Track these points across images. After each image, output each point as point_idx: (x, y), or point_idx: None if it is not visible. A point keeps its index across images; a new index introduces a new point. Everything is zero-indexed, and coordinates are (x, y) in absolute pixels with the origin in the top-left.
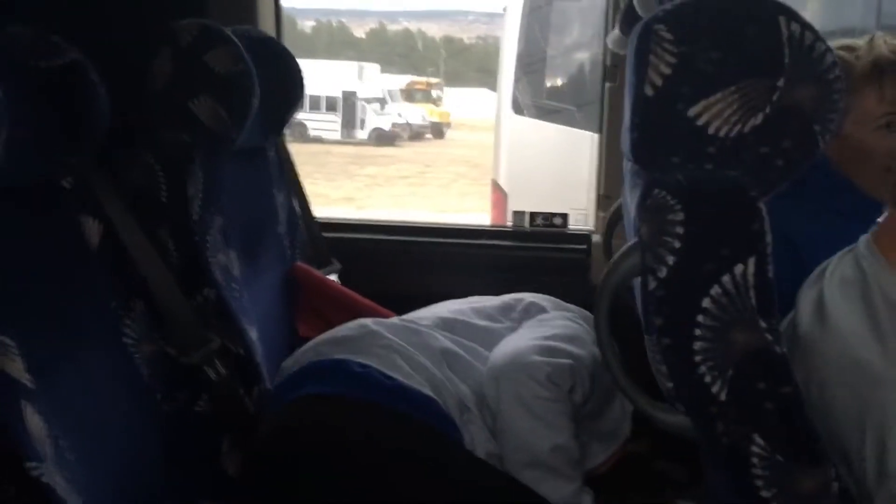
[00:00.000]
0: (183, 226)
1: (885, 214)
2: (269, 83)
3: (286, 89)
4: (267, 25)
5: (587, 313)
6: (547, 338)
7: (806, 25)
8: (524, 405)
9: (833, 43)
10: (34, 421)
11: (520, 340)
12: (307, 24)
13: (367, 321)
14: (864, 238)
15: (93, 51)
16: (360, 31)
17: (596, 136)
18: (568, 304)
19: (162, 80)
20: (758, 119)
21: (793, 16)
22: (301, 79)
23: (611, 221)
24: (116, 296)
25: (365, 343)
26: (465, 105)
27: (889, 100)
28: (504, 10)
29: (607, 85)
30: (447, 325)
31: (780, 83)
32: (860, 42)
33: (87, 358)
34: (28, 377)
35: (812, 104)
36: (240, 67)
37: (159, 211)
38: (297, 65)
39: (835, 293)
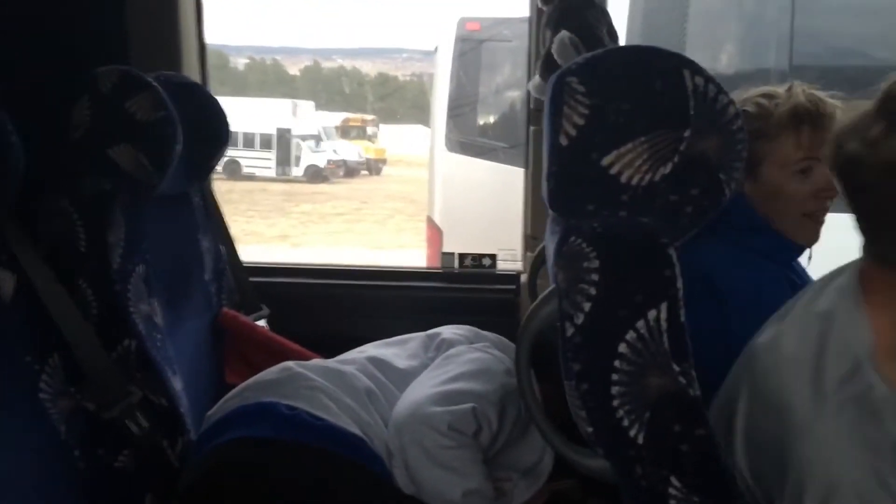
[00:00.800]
0: (102, 275)
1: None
2: (194, 129)
3: (211, 135)
4: (192, 70)
5: (505, 341)
6: (449, 380)
7: (709, 78)
8: (429, 456)
9: (754, 91)
10: None
11: (420, 389)
12: (240, 62)
13: (292, 364)
14: (854, 267)
15: (11, 97)
16: (294, 69)
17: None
18: (485, 333)
19: (81, 127)
20: (667, 168)
21: (696, 69)
22: (226, 124)
23: (535, 263)
24: (31, 350)
25: (291, 386)
26: (400, 142)
27: (806, 146)
28: (436, 48)
29: (532, 128)
30: (370, 365)
31: (687, 134)
32: (779, 90)
33: (1, 416)
34: None
35: (717, 153)
36: (161, 114)
37: (78, 260)
38: (222, 110)
39: (797, 322)
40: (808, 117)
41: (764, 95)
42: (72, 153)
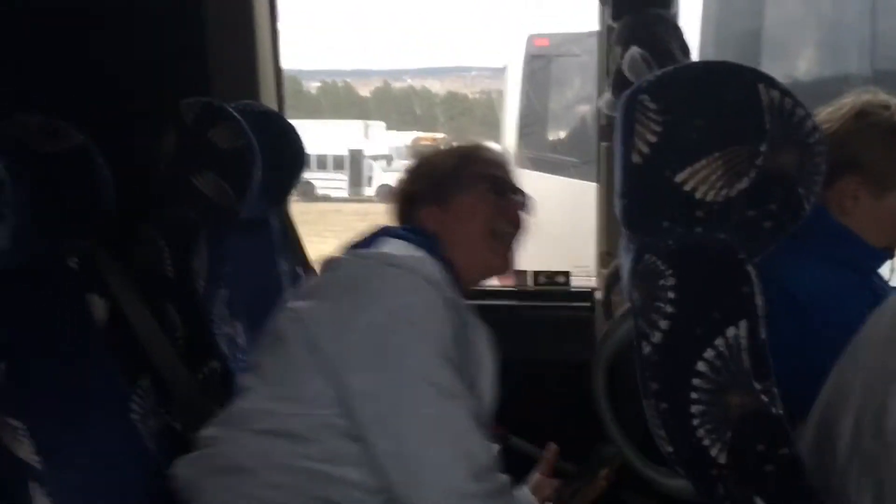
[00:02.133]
0: (188, 300)
1: None
2: (272, 155)
3: (288, 160)
4: (269, 98)
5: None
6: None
7: (785, 92)
8: None
9: (867, 97)
10: (43, 503)
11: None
12: (313, 85)
13: None
14: None
15: (101, 130)
16: (364, 91)
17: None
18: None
19: (167, 157)
20: (743, 183)
21: (772, 83)
22: (302, 149)
23: (610, 279)
24: (123, 372)
25: None
26: None
27: None
28: (505, 66)
29: (603, 144)
30: None
31: (763, 148)
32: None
33: (95, 436)
34: (36, 458)
35: (795, 168)
36: (241, 142)
37: (166, 286)
38: (298, 136)
39: None
40: None
41: (881, 106)
42: (159, 183)
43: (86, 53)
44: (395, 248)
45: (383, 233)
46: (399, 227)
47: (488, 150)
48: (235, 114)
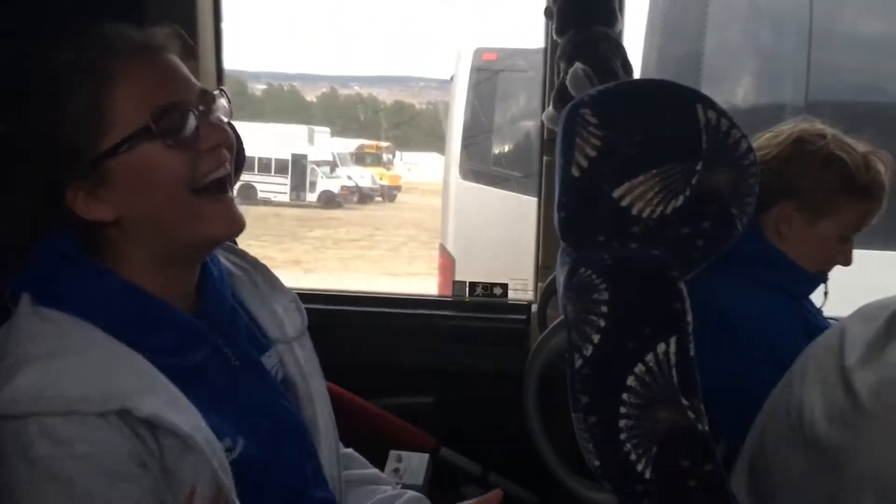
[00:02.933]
0: None
1: None
2: None
3: None
4: None
5: None
6: None
7: (722, 112)
8: None
9: (846, 139)
10: None
11: None
12: (258, 88)
13: None
14: None
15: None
16: (311, 95)
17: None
18: None
19: None
20: (678, 201)
21: (709, 104)
22: (242, 150)
23: (546, 293)
24: None
25: None
26: (415, 169)
27: (868, 220)
28: (451, 77)
29: (545, 159)
30: None
31: (699, 167)
32: (864, 150)
33: None
34: None
35: (729, 188)
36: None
37: None
38: (238, 136)
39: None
40: (882, 193)
41: (863, 154)
42: None
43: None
44: None
45: None
46: None
47: None
48: None
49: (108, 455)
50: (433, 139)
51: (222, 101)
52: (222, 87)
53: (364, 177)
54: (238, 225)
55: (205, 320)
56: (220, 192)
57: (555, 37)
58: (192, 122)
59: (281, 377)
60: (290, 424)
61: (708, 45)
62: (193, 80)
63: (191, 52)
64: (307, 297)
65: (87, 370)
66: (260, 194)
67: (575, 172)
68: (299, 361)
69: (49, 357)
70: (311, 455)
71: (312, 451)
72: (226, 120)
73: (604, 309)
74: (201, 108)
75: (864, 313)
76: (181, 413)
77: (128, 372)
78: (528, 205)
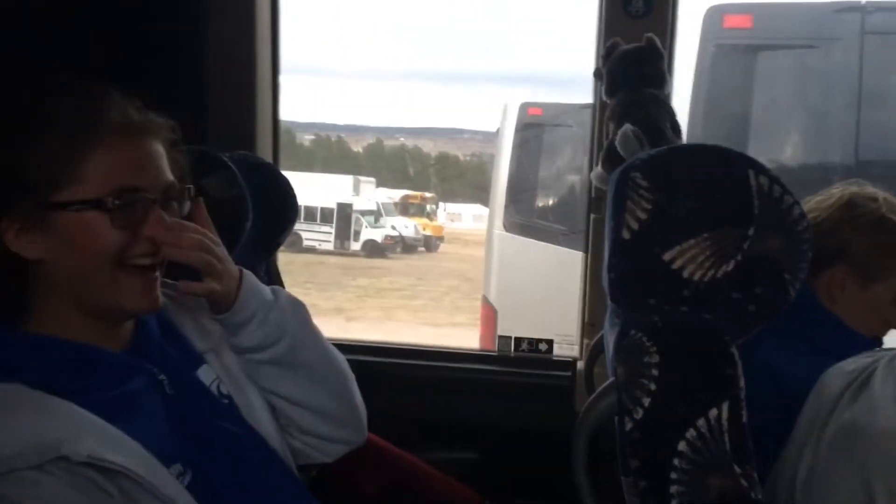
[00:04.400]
0: None
1: None
2: (265, 206)
3: (280, 212)
4: (265, 148)
5: None
6: None
7: (774, 179)
8: None
9: (855, 189)
10: None
11: None
12: (306, 138)
13: None
14: None
15: None
16: (357, 146)
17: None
18: None
19: None
20: (730, 265)
21: (762, 169)
22: (295, 202)
23: (593, 351)
24: None
25: None
26: (457, 219)
27: None
28: (497, 130)
29: (592, 216)
30: None
31: (751, 232)
32: None
33: None
34: None
35: (782, 254)
36: (234, 192)
37: None
38: (292, 189)
39: None
40: None
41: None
42: None
43: None
44: None
45: None
46: None
47: None
48: (230, 163)
49: None
50: (476, 190)
51: (186, 203)
52: (189, 186)
53: (408, 227)
54: (154, 304)
55: (136, 353)
56: (145, 269)
57: (604, 97)
58: (142, 209)
59: (226, 391)
60: (236, 444)
61: (755, 103)
62: (166, 171)
63: (176, 145)
64: (351, 348)
65: (16, 428)
66: (305, 242)
67: (625, 235)
68: (230, 368)
69: None
70: (270, 466)
71: (271, 462)
72: (176, 219)
73: (654, 372)
74: (161, 198)
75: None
76: (119, 448)
77: (58, 420)
78: (571, 258)
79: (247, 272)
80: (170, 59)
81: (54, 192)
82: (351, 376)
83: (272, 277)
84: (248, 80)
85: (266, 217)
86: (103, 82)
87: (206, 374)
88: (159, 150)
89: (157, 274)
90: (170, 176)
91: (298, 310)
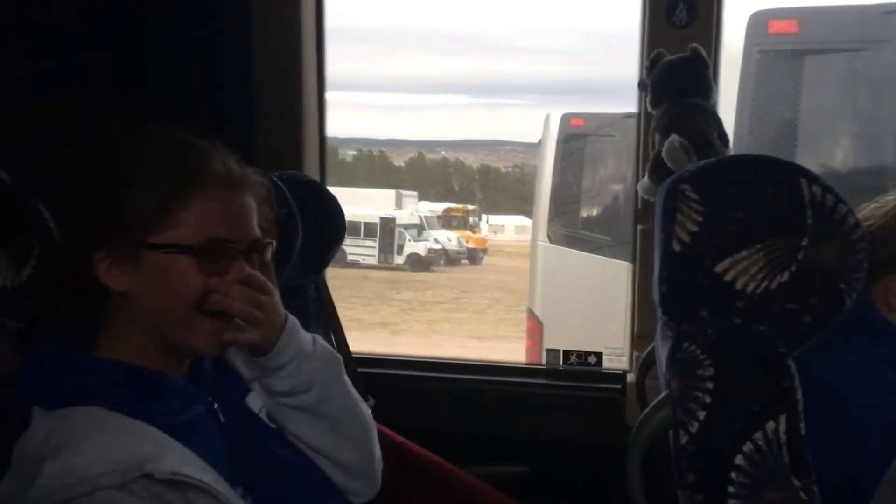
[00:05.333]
0: None
1: None
2: (313, 224)
3: (328, 230)
4: (312, 166)
5: None
6: None
7: (827, 188)
8: None
9: None
10: None
11: None
12: (349, 154)
13: None
14: None
15: None
16: (399, 160)
17: (631, 266)
18: None
19: None
20: (784, 276)
21: (814, 179)
22: (343, 221)
23: (644, 363)
24: None
25: None
26: (500, 231)
27: None
28: (539, 142)
29: (639, 227)
30: None
31: (804, 243)
32: None
33: None
34: None
35: (837, 263)
36: (284, 211)
37: None
38: (339, 206)
39: None
40: None
41: None
42: None
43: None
44: None
45: None
46: None
47: None
48: (280, 183)
49: None
50: (518, 201)
51: (267, 252)
52: (271, 242)
53: (451, 239)
54: (219, 347)
55: (193, 382)
56: (220, 314)
57: (649, 108)
58: (228, 260)
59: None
60: (287, 467)
61: (803, 109)
62: (254, 226)
63: (266, 200)
64: (400, 363)
65: (101, 449)
66: (349, 257)
67: (676, 247)
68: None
69: (64, 447)
70: (322, 487)
71: (322, 483)
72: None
73: (709, 385)
74: (246, 250)
75: None
76: (196, 466)
77: (139, 441)
78: (617, 269)
79: (292, 319)
80: (217, 81)
81: (151, 234)
82: (374, 431)
83: (321, 294)
84: (294, 99)
85: (315, 235)
86: (159, 107)
87: (254, 402)
88: (251, 204)
89: (228, 320)
90: (257, 231)
91: (332, 363)
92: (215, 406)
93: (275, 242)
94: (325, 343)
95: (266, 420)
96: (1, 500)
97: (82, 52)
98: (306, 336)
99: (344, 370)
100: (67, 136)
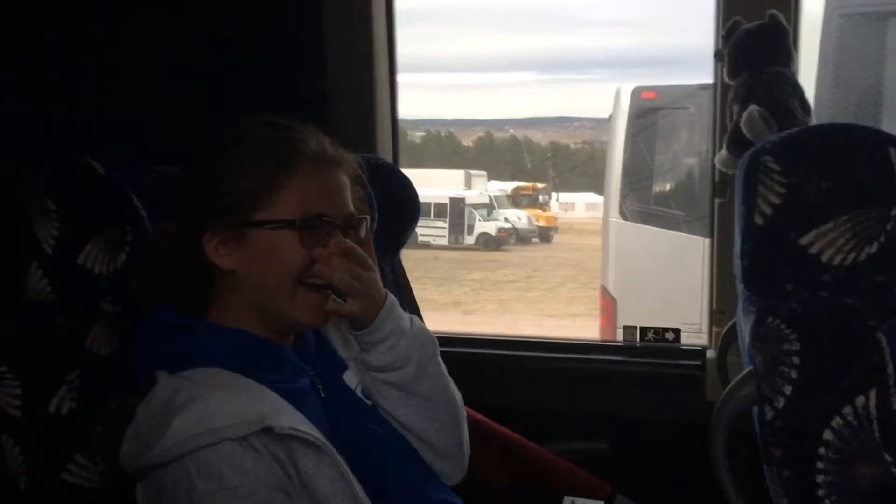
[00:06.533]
0: None
1: None
2: (388, 206)
3: (403, 212)
4: (385, 149)
5: None
6: None
7: None
8: None
9: None
10: None
11: None
12: (417, 135)
13: None
14: None
15: None
16: (467, 140)
17: (707, 241)
18: None
19: None
20: (872, 248)
21: None
22: (417, 202)
23: (725, 340)
24: None
25: None
26: (571, 209)
27: None
28: (609, 117)
29: (717, 201)
30: None
31: (894, 212)
32: None
33: None
34: None
35: None
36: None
37: None
38: (413, 188)
39: None
40: None
41: None
42: None
43: (206, 109)
44: None
45: None
46: None
47: None
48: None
49: (254, 485)
50: (588, 178)
51: (363, 228)
52: (366, 216)
53: (521, 218)
54: (321, 319)
55: (298, 356)
56: (320, 287)
57: (726, 79)
58: (326, 233)
59: (368, 394)
60: (381, 442)
61: (888, 74)
62: (349, 202)
63: (361, 182)
64: (475, 342)
65: (225, 403)
66: (420, 238)
67: (758, 220)
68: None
69: (191, 402)
70: (414, 462)
71: (414, 458)
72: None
73: (795, 360)
74: (342, 224)
75: None
76: (307, 425)
77: (258, 399)
78: (692, 244)
79: (391, 297)
80: (289, 67)
81: (254, 212)
82: (463, 415)
83: (397, 275)
84: (366, 82)
85: (390, 217)
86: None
87: (350, 379)
88: (345, 181)
89: (329, 292)
90: (351, 206)
91: (428, 343)
92: (317, 381)
93: (368, 218)
94: (421, 323)
95: (362, 397)
96: (123, 462)
97: (168, 46)
98: (404, 315)
99: (438, 351)
100: (166, 129)
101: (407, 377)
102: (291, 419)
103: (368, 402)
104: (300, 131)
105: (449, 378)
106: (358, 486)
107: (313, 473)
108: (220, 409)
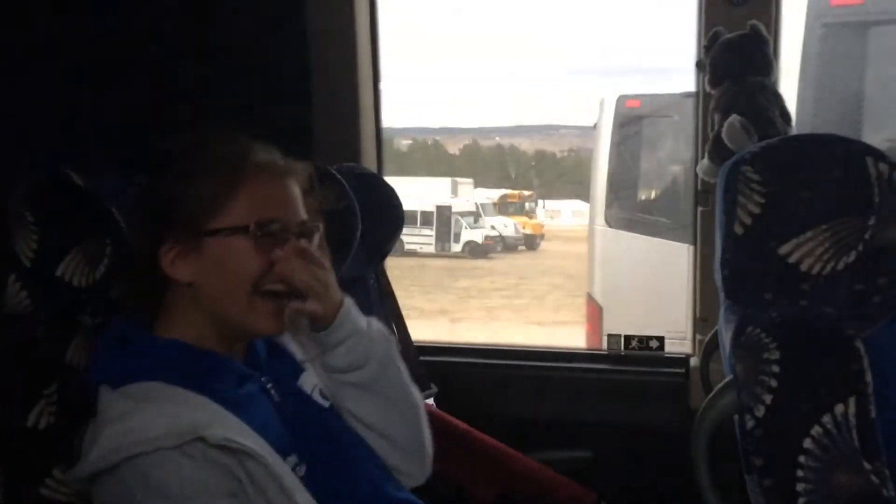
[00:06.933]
0: None
1: None
2: (372, 215)
3: (387, 221)
4: (369, 158)
5: None
6: None
7: (894, 166)
8: None
9: None
10: None
11: None
12: (403, 143)
13: None
14: None
15: None
16: (453, 148)
17: (692, 248)
18: None
19: None
20: (850, 257)
21: (880, 156)
22: (401, 211)
23: (708, 347)
24: None
25: None
26: (557, 216)
27: None
28: (594, 125)
29: (700, 209)
30: None
31: (872, 222)
32: None
33: None
34: None
35: None
36: (344, 204)
37: None
38: (397, 197)
39: None
40: None
41: None
42: None
43: (189, 119)
44: None
45: None
46: None
47: None
48: (339, 176)
49: (196, 492)
50: (574, 186)
51: (315, 237)
52: (318, 224)
53: (507, 226)
54: (279, 327)
55: (248, 365)
56: (278, 295)
57: (707, 88)
58: (280, 240)
59: (327, 395)
60: (339, 442)
61: (869, 83)
62: (301, 210)
63: (313, 193)
64: (461, 350)
65: (160, 415)
66: (406, 246)
67: (738, 230)
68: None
69: (125, 414)
70: (372, 462)
71: (372, 459)
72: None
73: (775, 369)
74: (296, 231)
75: None
76: (247, 437)
77: (196, 410)
78: (677, 251)
79: (348, 299)
80: (273, 77)
81: (208, 222)
82: (423, 411)
83: (381, 284)
84: (350, 92)
85: (374, 226)
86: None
87: (307, 382)
88: (296, 190)
89: (286, 301)
90: (304, 214)
91: (386, 342)
92: (269, 386)
93: (321, 227)
94: (378, 323)
95: (318, 399)
96: (68, 482)
97: (151, 51)
98: (361, 316)
99: (397, 350)
100: (138, 140)
101: (368, 376)
102: (228, 429)
103: (326, 404)
104: (249, 143)
105: (407, 376)
106: (301, 497)
107: (262, 479)
108: (152, 421)
